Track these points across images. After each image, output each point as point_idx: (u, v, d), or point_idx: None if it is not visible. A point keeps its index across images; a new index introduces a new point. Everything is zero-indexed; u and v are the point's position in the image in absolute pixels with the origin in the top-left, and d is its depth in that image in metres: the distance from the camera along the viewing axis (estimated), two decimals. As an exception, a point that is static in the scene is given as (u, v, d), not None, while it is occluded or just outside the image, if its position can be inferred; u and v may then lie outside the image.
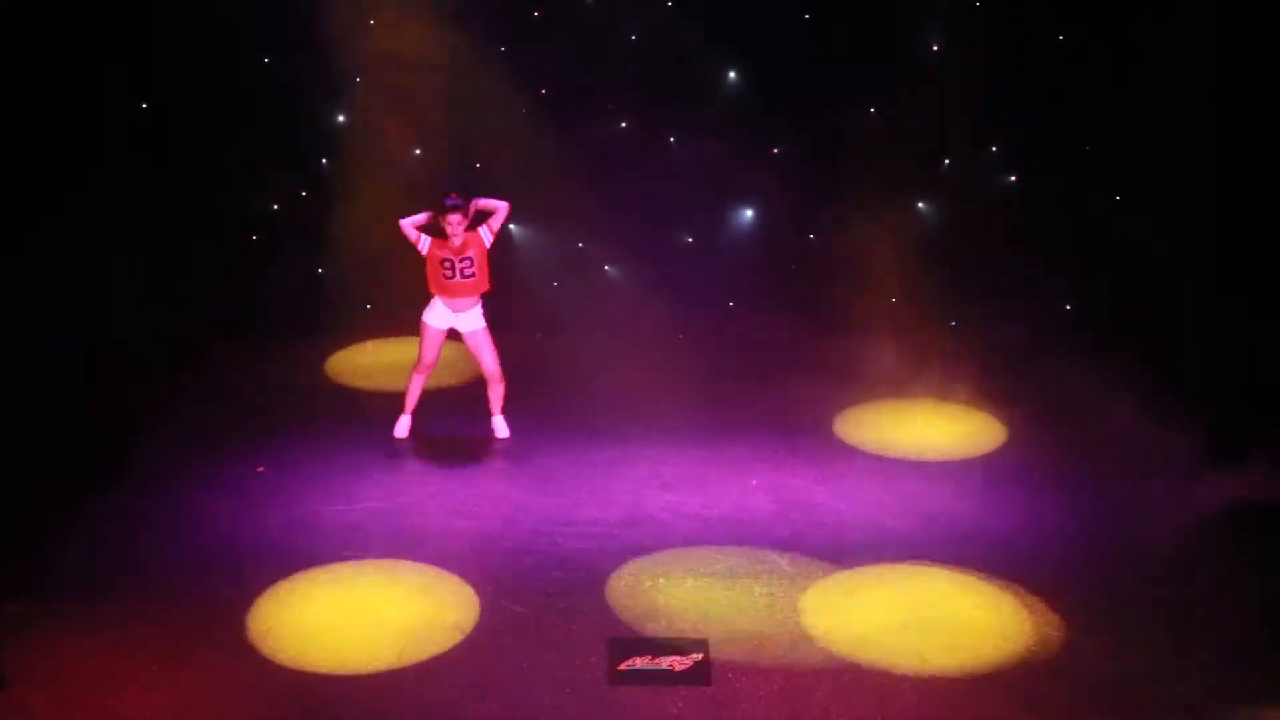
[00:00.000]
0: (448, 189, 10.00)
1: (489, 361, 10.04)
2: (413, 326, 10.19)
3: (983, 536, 8.83)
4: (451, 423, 10.54)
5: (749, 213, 13.30)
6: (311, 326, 12.05)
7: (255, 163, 12.36)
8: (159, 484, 9.36)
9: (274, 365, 11.50)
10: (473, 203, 9.81)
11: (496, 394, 10.23)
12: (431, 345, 10.03)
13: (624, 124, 13.09)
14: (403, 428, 10.24)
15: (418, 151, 12.79)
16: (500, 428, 10.30)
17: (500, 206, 9.91)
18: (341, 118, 12.77)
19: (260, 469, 9.68)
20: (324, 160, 12.85)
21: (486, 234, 9.86)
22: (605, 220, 12.91)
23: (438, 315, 9.97)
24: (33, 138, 8.89)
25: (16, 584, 7.86)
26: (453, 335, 10.16)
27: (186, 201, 11.89)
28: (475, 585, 8.06)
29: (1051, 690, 7.16)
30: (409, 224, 9.81)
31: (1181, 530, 8.90)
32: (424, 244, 9.82)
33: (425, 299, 10.03)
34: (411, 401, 10.22)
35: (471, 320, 9.97)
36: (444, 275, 9.80)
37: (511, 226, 12.89)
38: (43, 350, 9.14)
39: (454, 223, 9.68)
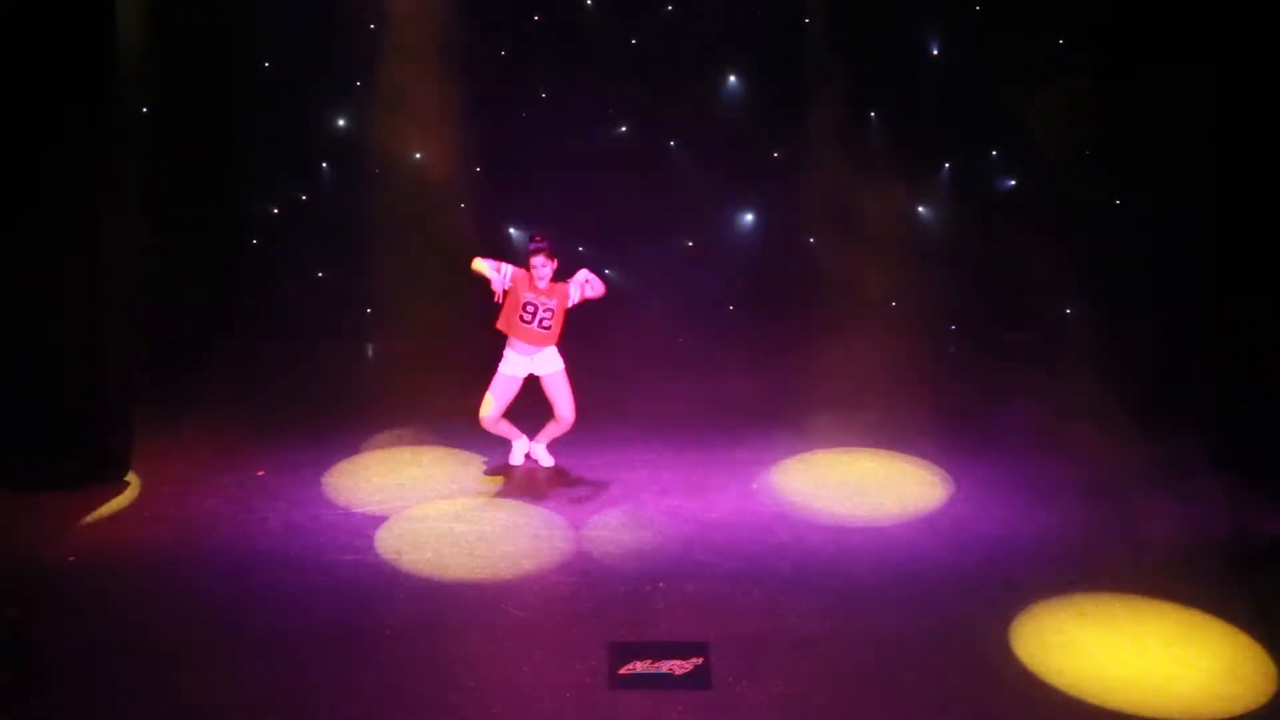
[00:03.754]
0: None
1: (564, 405, 9.54)
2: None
3: (984, 541, 8.82)
4: (451, 425, 10.54)
5: (749, 216, 13.31)
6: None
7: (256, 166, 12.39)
8: (159, 485, 9.39)
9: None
10: (582, 277, 9.41)
11: (556, 431, 9.79)
12: (505, 395, 9.50)
13: (624, 128, 13.12)
14: (519, 454, 9.95)
15: (418, 155, 12.80)
16: (544, 455, 9.97)
17: (600, 290, 9.48)
18: (342, 121, 12.79)
19: (260, 473, 9.68)
20: (324, 164, 12.89)
21: (575, 291, 9.42)
22: (605, 224, 12.92)
23: (514, 365, 9.50)
24: (30, 139, 8.88)
25: (17, 589, 7.87)
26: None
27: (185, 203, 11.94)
28: (476, 588, 8.05)
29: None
30: (489, 263, 9.27)
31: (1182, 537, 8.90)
32: (506, 276, 9.29)
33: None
34: (510, 431, 9.82)
35: (549, 362, 9.53)
36: (522, 319, 9.36)
37: (511, 230, 12.91)
38: (42, 350, 9.14)
39: (538, 265, 9.28)
